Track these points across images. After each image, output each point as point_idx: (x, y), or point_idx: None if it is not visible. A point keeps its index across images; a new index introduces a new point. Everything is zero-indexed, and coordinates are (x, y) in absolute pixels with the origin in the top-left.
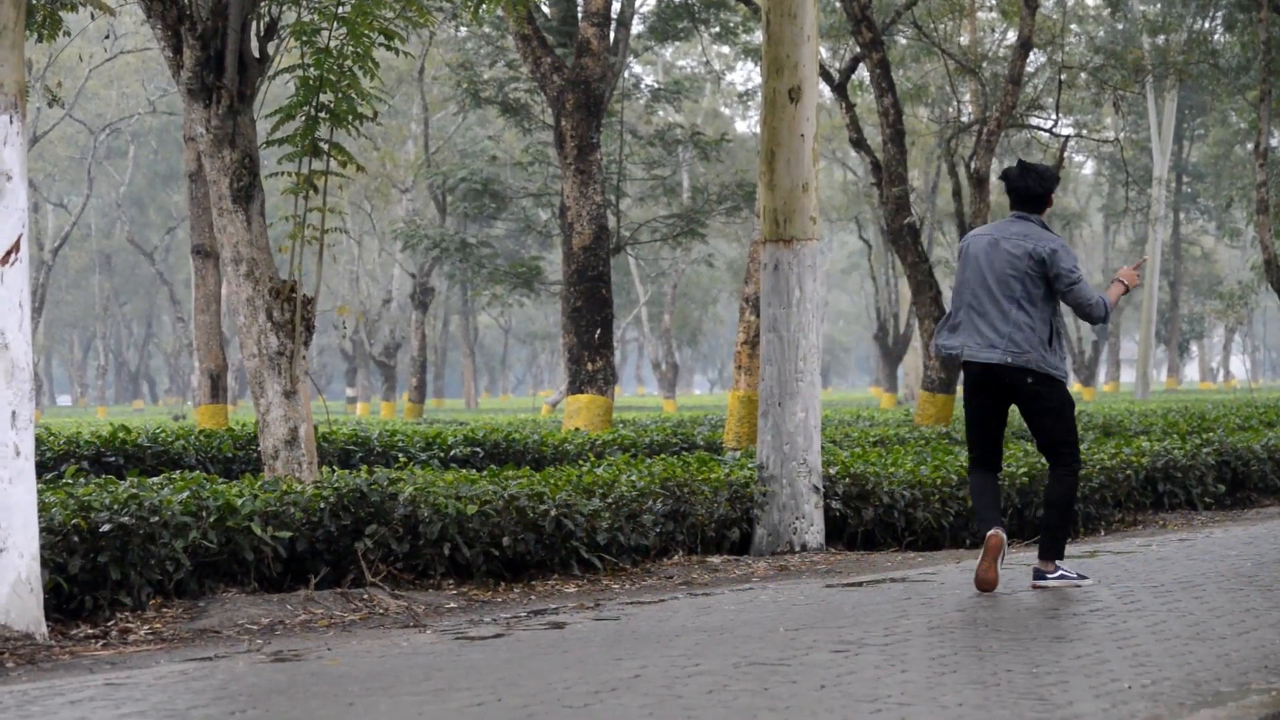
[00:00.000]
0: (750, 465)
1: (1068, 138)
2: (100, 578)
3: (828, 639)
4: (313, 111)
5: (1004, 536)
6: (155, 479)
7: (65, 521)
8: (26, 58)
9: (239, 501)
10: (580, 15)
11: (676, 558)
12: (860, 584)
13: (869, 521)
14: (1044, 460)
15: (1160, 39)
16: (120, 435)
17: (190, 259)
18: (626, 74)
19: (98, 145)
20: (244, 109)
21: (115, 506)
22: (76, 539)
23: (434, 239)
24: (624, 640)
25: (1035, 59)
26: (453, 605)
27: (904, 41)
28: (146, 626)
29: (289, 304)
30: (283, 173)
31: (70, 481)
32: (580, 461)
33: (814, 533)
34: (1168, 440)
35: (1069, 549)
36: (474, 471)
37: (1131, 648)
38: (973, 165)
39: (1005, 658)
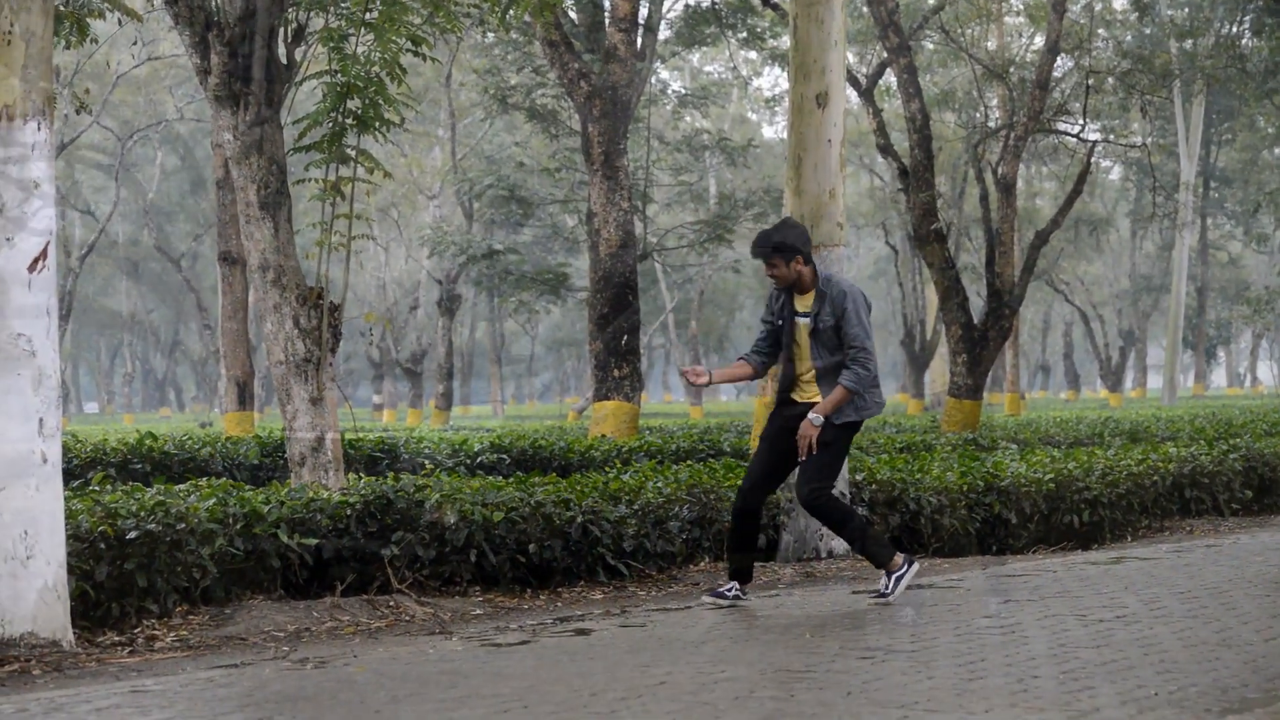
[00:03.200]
0: None
1: (1095, 143)
2: (127, 585)
3: (854, 645)
4: (340, 118)
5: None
6: (182, 486)
7: (92, 529)
8: (55, 64)
9: (265, 509)
10: (607, 21)
11: (703, 564)
12: None
13: (895, 528)
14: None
15: (1188, 43)
16: (147, 443)
17: (217, 266)
18: (653, 80)
19: (125, 152)
20: (271, 116)
21: (142, 514)
22: (103, 546)
23: (461, 245)
24: (650, 647)
25: (1062, 64)
26: (479, 612)
27: (931, 46)
28: (173, 634)
29: (316, 311)
30: (310, 179)
31: (97, 489)
32: (607, 468)
33: (840, 540)
34: (1194, 446)
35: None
36: (500, 478)
37: (1158, 654)
38: (1000, 171)
39: (1032, 664)
